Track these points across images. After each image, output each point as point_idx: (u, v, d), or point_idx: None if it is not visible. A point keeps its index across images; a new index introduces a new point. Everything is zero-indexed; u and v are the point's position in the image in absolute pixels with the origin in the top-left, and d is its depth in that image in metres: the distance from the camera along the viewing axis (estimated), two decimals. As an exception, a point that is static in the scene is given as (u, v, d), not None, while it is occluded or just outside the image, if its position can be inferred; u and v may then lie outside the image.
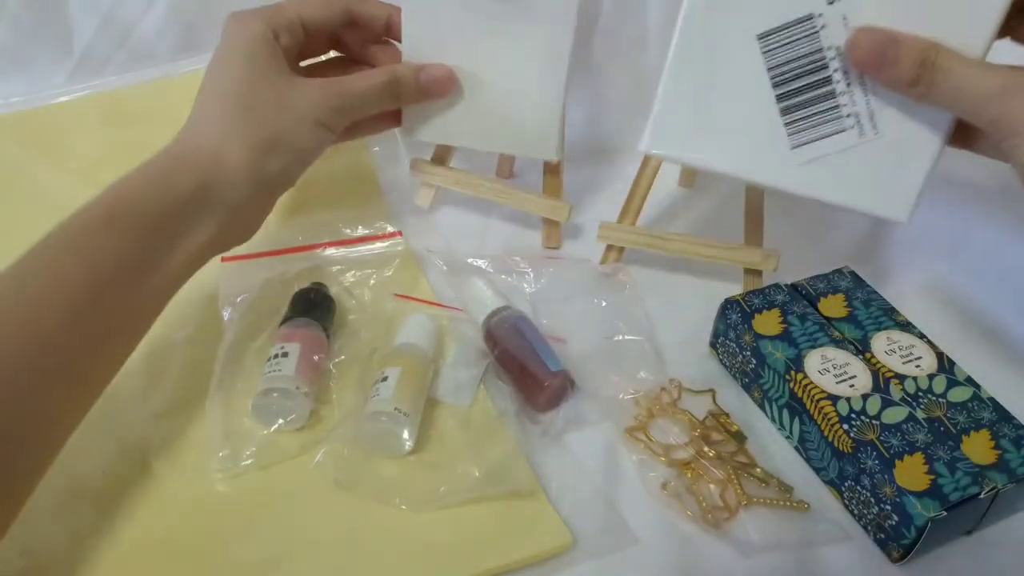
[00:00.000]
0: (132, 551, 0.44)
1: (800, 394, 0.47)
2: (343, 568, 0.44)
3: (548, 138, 0.60)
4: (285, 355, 0.50)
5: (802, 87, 0.46)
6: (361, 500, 0.46)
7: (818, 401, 0.46)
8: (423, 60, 0.59)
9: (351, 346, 0.55)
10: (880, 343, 0.50)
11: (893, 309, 0.53)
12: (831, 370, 0.48)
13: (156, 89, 0.69)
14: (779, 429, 0.51)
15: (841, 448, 0.45)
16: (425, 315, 0.56)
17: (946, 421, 0.45)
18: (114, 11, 0.68)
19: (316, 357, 0.51)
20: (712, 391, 0.53)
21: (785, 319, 0.51)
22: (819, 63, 0.45)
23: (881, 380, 0.47)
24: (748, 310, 0.52)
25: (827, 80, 0.45)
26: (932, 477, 0.42)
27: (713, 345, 0.56)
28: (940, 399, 0.46)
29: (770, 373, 0.50)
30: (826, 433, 0.46)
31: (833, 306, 0.53)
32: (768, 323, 0.51)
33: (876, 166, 0.46)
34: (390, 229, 0.65)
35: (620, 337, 0.56)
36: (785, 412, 0.49)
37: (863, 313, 0.52)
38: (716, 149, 0.50)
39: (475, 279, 0.59)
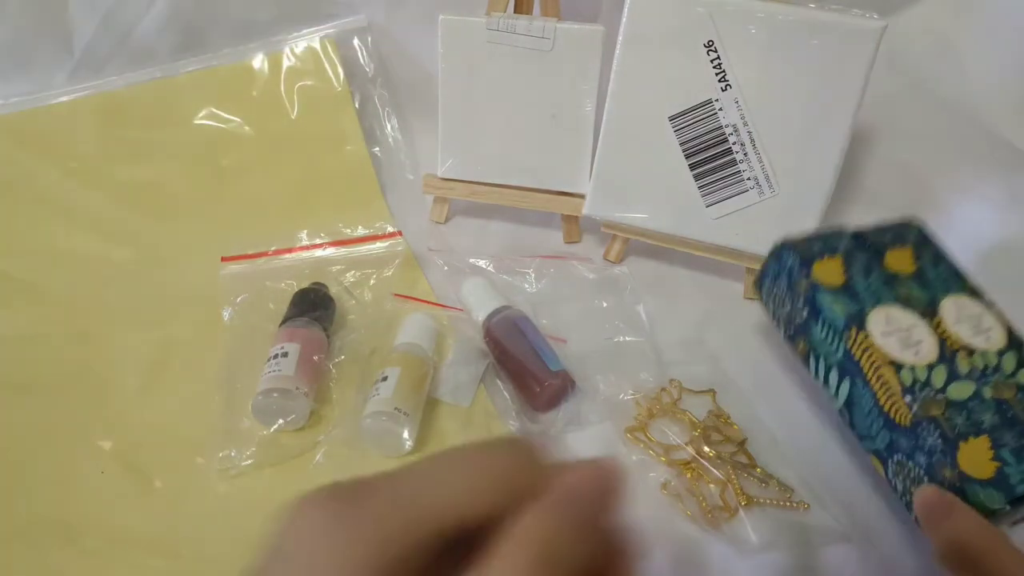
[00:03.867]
0: (132, 551, 0.44)
1: (858, 356, 0.42)
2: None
3: (579, 173, 0.62)
4: (285, 355, 0.50)
5: (709, 157, 0.56)
6: (361, 500, 0.46)
7: (879, 367, 0.42)
8: (457, 100, 0.62)
9: (351, 346, 0.55)
10: (950, 309, 0.44)
11: (962, 271, 0.47)
12: (895, 332, 0.43)
13: (156, 89, 0.69)
14: (823, 387, 0.47)
15: (899, 420, 0.41)
16: (425, 315, 0.56)
17: (1015, 404, 0.40)
18: (114, 11, 0.68)
19: (316, 357, 0.51)
20: (712, 391, 0.53)
21: (848, 270, 0.45)
22: (720, 138, 0.55)
23: (948, 350, 0.42)
24: (808, 255, 0.46)
25: (728, 151, 0.56)
26: (998, 464, 0.38)
27: (759, 286, 0.51)
28: (1010, 379, 0.41)
29: (825, 328, 0.44)
30: (882, 402, 0.41)
31: (900, 261, 0.46)
32: (829, 272, 0.45)
33: (777, 218, 0.56)
34: (390, 229, 0.65)
35: (620, 338, 0.56)
36: (834, 371, 0.45)
37: (932, 273, 0.46)
38: (644, 210, 0.60)
39: (475, 279, 0.59)
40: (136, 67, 0.70)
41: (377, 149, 0.72)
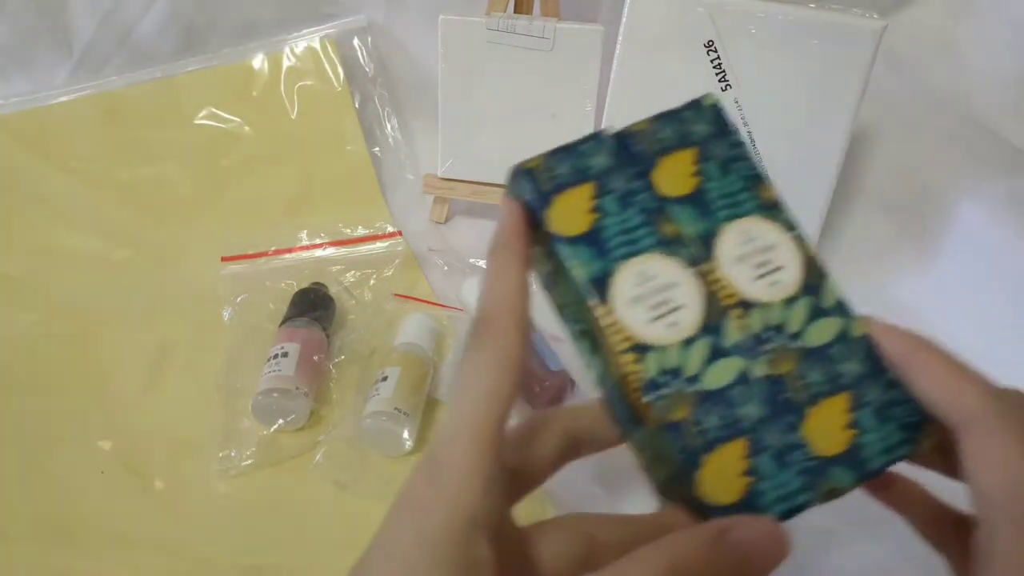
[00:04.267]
0: (132, 551, 0.44)
1: (599, 334, 0.30)
2: (343, 568, 0.44)
3: None
4: (285, 355, 0.50)
5: None
6: (361, 500, 0.46)
7: (619, 352, 0.29)
8: (457, 100, 0.61)
9: (351, 346, 0.55)
10: (730, 242, 0.31)
11: (760, 178, 0.32)
12: (647, 298, 0.30)
13: (156, 89, 0.69)
14: (577, 353, 0.34)
15: (643, 419, 0.29)
16: (425, 315, 0.56)
17: (793, 382, 0.29)
18: (114, 11, 0.68)
19: (316, 357, 0.51)
20: (712, 391, 0.53)
21: (599, 204, 0.31)
22: None
23: (716, 312, 0.30)
24: (547, 186, 0.31)
25: None
26: (748, 481, 0.27)
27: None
28: (793, 342, 0.29)
29: (569, 288, 0.31)
30: (625, 395, 0.30)
31: (675, 174, 0.31)
32: (570, 213, 0.31)
33: None
34: (390, 229, 0.65)
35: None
36: (584, 341, 0.32)
37: (716, 187, 0.31)
38: None
39: (475, 279, 0.59)
40: (136, 67, 0.70)
41: (377, 149, 0.72)
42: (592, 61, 0.58)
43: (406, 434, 0.48)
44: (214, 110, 0.69)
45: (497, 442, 0.25)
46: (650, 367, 0.29)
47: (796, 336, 0.30)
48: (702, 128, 0.33)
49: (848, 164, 0.55)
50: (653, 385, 0.28)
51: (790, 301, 0.30)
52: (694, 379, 0.29)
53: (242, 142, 0.69)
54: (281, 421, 0.50)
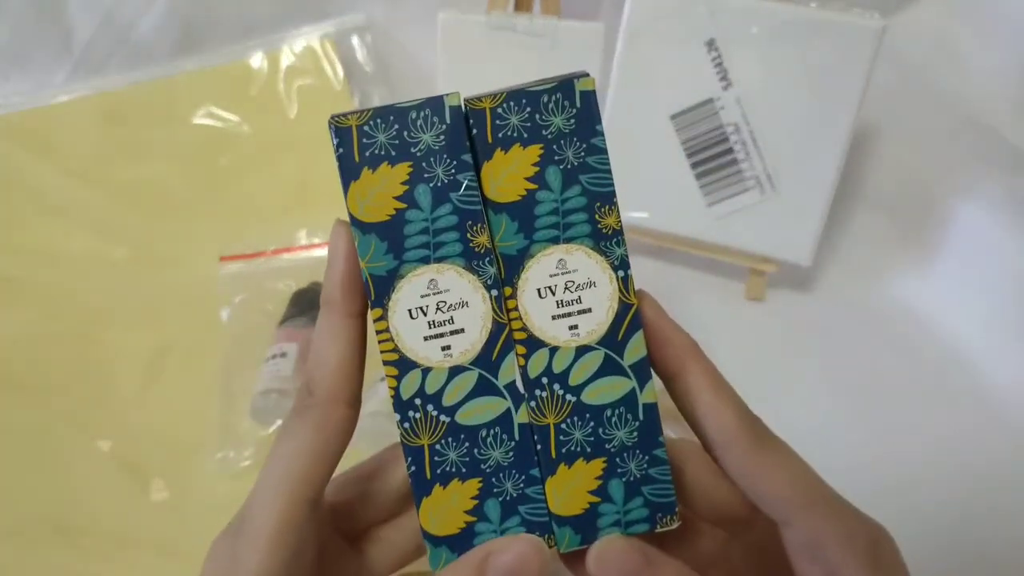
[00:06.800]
0: (132, 551, 0.44)
1: (378, 338, 0.27)
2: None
3: None
4: (283, 355, 0.50)
5: (710, 156, 0.57)
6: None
7: (387, 362, 0.27)
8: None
9: (350, 346, 0.55)
10: (541, 269, 0.27)
11: (608, 198, 0.27)
12: (430, 312, 0.27)
13: (156, 89, 0.69)
14: None
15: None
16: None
17: (552, 435, 0.27)
18: (114, 11, 0.68)
19: (315, 357, 0.51)
20: (712, 391, 0.53)
21: (409, 193, 0.27)
22: (721, 137, 0.56)
23: (500, 344, 0.27)
24: (357, 157, 0.28)
25: (729, 151, 0.56)
26: (469, 520, 0.27)
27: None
28: (570, 394, 0.27)
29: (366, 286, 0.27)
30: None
31: (507, 174, 0.27)
32: (374, 194, 0.27)
33: (779, 218, 0.57)
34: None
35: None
36: None
37: (550, 199, 0.27)
38: (645, 209, 0.60)
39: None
40: (135, 66, 0.70)
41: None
42: (593, 59, 0.58)
43: (405, 434, 0.48)
44: (213, 109, 0.69)
45: (301, 519, 0.25)
46: (408, 387, 0.27)
47: (575, 389, 0.27)
48: (560, 121, 0.28)
49: (848, 164, 0.55)
50: (406, 405, 0.27)
51: (582, 350, 0.27)
52: (449, 410, 0.27)
53: (241, 141, 0.69)
54: (279, 422, 0.49)
